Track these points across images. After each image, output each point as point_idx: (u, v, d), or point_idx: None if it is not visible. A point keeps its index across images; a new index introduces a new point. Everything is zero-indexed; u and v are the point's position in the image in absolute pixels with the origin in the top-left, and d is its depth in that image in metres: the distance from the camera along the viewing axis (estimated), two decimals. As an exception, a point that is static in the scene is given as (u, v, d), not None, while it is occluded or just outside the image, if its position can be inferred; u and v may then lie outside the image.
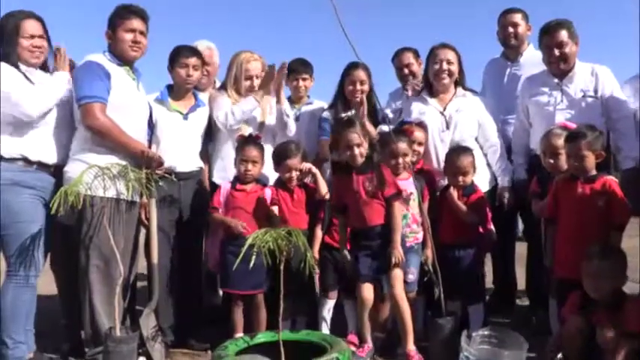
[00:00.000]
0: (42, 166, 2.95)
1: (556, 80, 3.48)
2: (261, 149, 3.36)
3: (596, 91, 3.40)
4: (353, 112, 3.57)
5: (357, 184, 3.05)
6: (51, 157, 2.98)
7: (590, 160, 2.84)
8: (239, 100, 3.53)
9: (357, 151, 3.03)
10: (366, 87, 3.68)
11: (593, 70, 3.45)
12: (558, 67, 3.46)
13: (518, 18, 3.99)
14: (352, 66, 3.69)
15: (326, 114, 3.79)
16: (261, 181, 3.40)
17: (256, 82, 3.57)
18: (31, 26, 3.00)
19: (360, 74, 3.66)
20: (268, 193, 3.32)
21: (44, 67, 3.16)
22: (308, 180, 3.45)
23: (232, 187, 3.33)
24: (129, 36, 3.04)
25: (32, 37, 2.99)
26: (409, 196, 3.22)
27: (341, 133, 3.08)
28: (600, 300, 2.55)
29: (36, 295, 2.99)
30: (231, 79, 3.61)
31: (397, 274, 3.00)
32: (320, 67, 4.37)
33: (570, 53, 3.43)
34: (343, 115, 3.53)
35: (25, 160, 2.90)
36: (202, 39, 3.93)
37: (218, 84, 3.97)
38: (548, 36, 3.47)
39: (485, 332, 2.50)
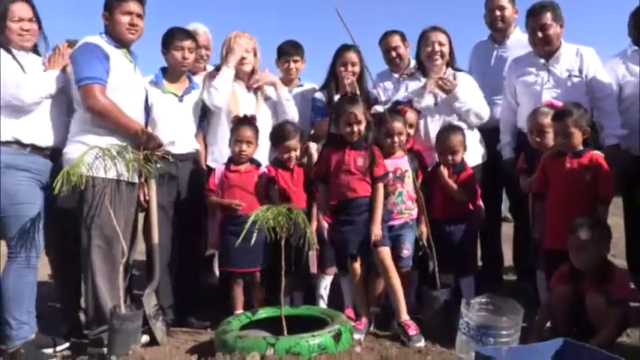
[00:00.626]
0: (36, 149, 2.95)
1: (542, 61, 3.60)
2: (256, 130, 3.40)
3: (580, 71, 3.52)
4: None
5: (349, 158, 3.13)
6: (45, 140, 2.98)
7: (577, 137, 2.96)
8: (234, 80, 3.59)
9: (356, 128, 3.11)
10: (357, 69, 3.74)
11: (578, 50, 3.57)
12: (542, 49, 3.57)
13: (504, 1, 4.06)
14: (343, 48, 3.75)
15: (318, 95, 3.84)
16: (255, 161, 3.44)
17: (248, 57, 3.63)
18: (19, 9, 2.98)
19: (352, 56, 3.71)
20: (264, 171, 3.39)
21: (35, 50, 3.14)
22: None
23: (226, 168, 3.37)
24: (126, 18, 3.04)
25: (21, 20, 2.97)
26: (404, 174, 3.31)
27: (343, 109, 3.14)
28: (587, 271, 2.68)
29: (36, 277, 3.01)
30: (225, 57, 3.63)
31: (382, 249, 3.10)
32: (313, 51, 4.41)
33: (554, 35, 3.53)
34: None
35: (19, 143, 2.90)
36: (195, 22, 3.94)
37: (210, 69, 3.99)
38: (533, 18, 3.57)
39: (483, 300, 2.60)
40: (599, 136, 3.58)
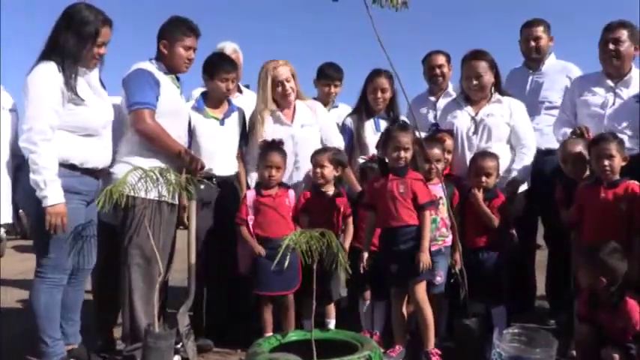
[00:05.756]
0: (88, 171, 2.92)
1: (611, 83, 3.52)
2: (284, 155, 3.42)
3: None
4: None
5: (391, 185, 3.08)
6: (99, 162, 2.97)
7: (618, 161, 2.93)
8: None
9: (403, 154, 3.07)
10: (388, 94, 3.76)
11: None
12: (611, 64, 3.48)
13: (539, 31, 4.04)
14: (375, 73, 3.76)
15: (348, 120, 3.86)
16: (284, 185, 3.47)
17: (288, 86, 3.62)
18: (106, 33, 2.92)
19: (382, 81, 3.73)
20: (292, 194, 3.44)
21: None
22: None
23: (257, 193, 3.39)
24: (185, 53, 3.17)
25: (103, 44, 2.93)
26: (438, 201, 3.27)
27: (393, 135, 3.11)
28: (601, 297, 2.64)
29: (84, 290, 3.08)
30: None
31: (421, 284, 3.06)
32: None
33: (625, 53, 3.44)
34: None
35: (71, 165, 2.85)
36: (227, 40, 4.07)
37: (246, 91, 4.08)
38: (608, 31, 3.50)
39: (516, 330, 2.58)
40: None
